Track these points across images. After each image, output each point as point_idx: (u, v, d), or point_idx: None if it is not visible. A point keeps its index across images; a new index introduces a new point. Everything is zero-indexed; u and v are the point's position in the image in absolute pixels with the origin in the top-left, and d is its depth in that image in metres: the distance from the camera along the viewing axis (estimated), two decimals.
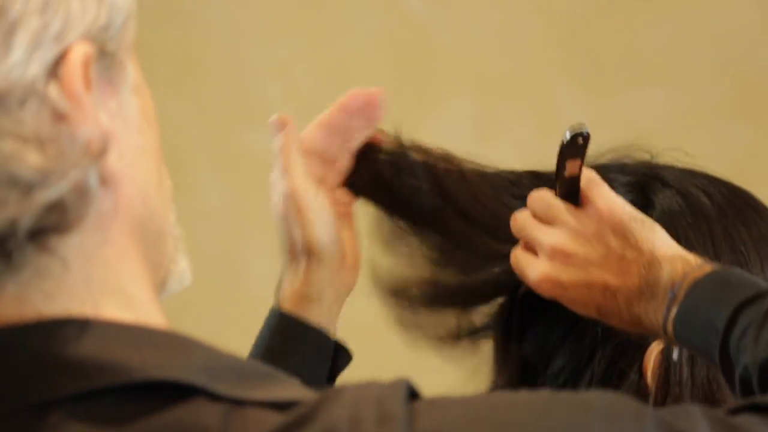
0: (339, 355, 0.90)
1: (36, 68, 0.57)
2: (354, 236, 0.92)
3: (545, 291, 0.83)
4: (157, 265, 0.63)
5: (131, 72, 0.61)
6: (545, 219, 0.85)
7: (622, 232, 0.82)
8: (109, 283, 0.60)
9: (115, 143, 0.59)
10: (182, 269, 0.65)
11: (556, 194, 0.85)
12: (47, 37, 0.58)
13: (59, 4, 0.58)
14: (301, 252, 0.89)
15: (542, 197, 0.86)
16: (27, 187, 0.56)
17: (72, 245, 0.58)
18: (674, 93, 1.80)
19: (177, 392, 0.57)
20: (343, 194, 0.91)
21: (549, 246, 0.83)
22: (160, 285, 0.64)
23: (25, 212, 0.56)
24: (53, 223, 0.57)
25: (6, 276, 0.57)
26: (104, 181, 0.58)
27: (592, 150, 0.86)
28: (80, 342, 0.57)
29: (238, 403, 0.57)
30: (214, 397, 0.57)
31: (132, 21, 0.61)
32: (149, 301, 0.61)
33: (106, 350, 0.57)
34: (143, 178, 0.61)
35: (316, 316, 0.90)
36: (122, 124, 0.60)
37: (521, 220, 0.86)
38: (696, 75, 1.83)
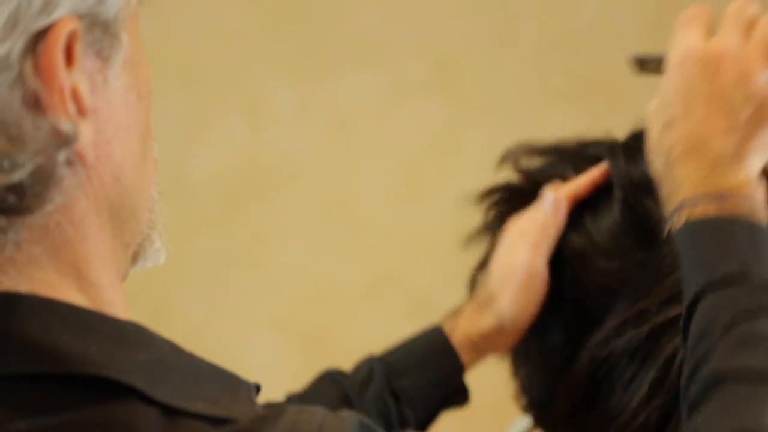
0: (459, 394, 0.97)
1: (11, 44, 0.57)
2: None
3: (670, 60, 0.80)
4: (127, 245, 0.63)
5: (125, 44, 0.62)
6: (754, 37, 0.79)
7: (761, 112, 0.76)
8: (68, 265, 0.60)
9: (93, 118, 0.59)
10: (156, 248, 0.66)
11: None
12: (29, 13, 0.57)
13: None
14: (495, 317, 0.94)
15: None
16: None
17: (29, 225, 0.58)
18: (376, 75, 1.84)
19: (112, 390, 0.57)
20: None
21: (720, 48, 0.78)
22: (129, 262, 0.65)
23: None
24: (9, 205, 0.57)
25: None
26: (72, 161, 0.59)
27: None
28: (25, 322, 0.57)
29: (173, 411, 0.57)
30: (149, 400, 0.57)
31: None
32: (109, 286, 0.61)
33: (50, 335, 0.57)
34: (121, 155, 0.61)
35: (468, 360, 0.96)
36: (106, 99, 0.60)
37: (742, 13, 0.80)
38: (395, 56, 1.84)
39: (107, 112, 0.59)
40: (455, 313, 0.99)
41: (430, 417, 0.97)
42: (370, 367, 0.98)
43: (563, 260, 0.95)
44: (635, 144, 0.92)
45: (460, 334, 0.97)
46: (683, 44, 0.80)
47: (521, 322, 0.94)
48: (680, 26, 0.81)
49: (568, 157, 0.97)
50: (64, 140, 0.57)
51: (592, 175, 0.94)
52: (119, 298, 0.61)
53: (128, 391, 0.57)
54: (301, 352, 1.84)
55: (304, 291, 1.84)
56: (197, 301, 1.83)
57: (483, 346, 0.97)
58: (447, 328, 0.98)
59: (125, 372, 0.57)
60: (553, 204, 0.94)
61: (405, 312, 1.84)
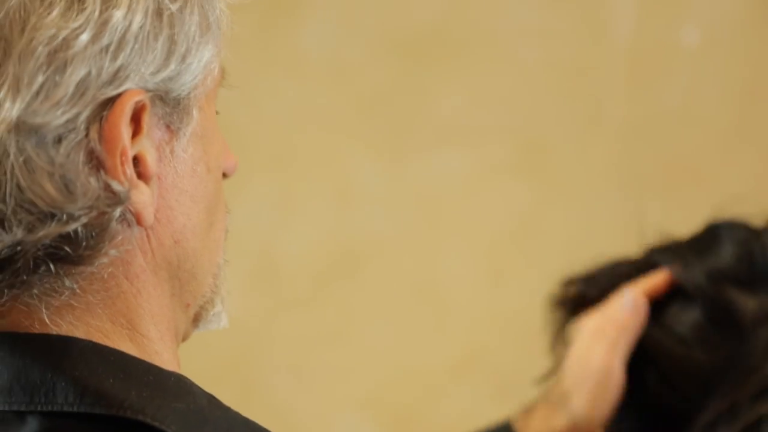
0: None
1: (80, 109, 0.62)
2: None
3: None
4: (187, 305, 0.67)
5: (196, 120, 0.66)
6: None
7: None
8: (121, 316, 0.64)
9: (157, 183, 0.64)
10: (217, 312, 0.70)
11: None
12: (98, 83, 0.62)
13: (118, 52, 0.62)
14: (570, 416, 0.97)
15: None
16: (40, 217, 0.61)
17: (85, 274, 0.63)
18: (464, 156, 1.86)
19: None
20: None
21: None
22: (190, 323, 0.69)
23: (32, 238, 0.61)
24: (64, 253, 0.62)
25: (18, 288, 0.63)
26: (128, 220, 0.63)
27: None
28: (75, 364, 0.62)
29: None
30: None
31: (213, 75, 0.68)
32: (159, 339, 0.66)
33: (96, 378, 0.62)
34: (183, 220, 0.65)
35: None
36: (172, 167, 0.65)
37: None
38: (483, 137, 1.86)
39: (172, 179, 0.65)
40: (528, 409, 0.99)
41: None
42: None
43: (646, 359, 0.95)
44: (704, 238, 0.93)
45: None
46: None
47: (595, 422, 0.95)
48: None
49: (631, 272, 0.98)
50: (118, 200, 0.62)
51: (665, 273, 0.97)
52: (167, 352, 0.66)
53: None
54: (387, 431, 1.85)
55: (390, 370, 1.86)
56: (285, 378, 1.86)
57: None
58: (518, 426, 0.98)
59: (160, 418, 0.61)
60: (633, 303, 0.95)
61: (491, 392, 1.84)
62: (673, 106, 1.90)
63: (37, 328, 0.63)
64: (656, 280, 0.96)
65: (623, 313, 0.96)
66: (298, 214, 1.85)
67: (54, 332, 0.63)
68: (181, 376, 0.66)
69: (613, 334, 0.95)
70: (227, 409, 0.65)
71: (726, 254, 0.92)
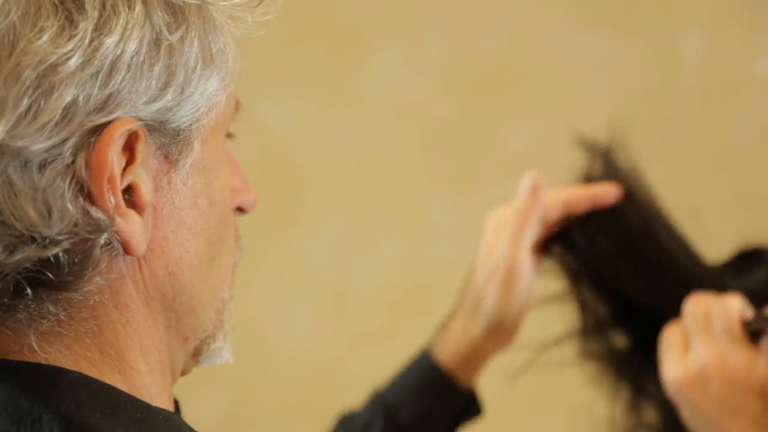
0: (471, 408, 1.00)
1: (66, 135, 0.61)
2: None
3: (668, 390, 0.88)
4: (185, 338, 0.67)
5: (198, 152, 0.65)
6: (719, 330, 0.88)
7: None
8: (109, 346, 0.64)
9: (152, 214, 0.64)
10: (218, 347, 0.69)
11: (745, 319, 0.88)
12: (86, 108, 0.61)
13: (108, 79, 0.61)
14: (485, 317, 0.97)
15: (732, 310, 0.88)
16: (21, 239, 0.61)
17: (72, 301, 0.63)
18: None
19: None
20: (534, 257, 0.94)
21: (702, 360, 0.86)
22: (189, 357, 0.68)
23: (11, 260, 0.61)
24: (46, 278, 0.61)
25: (3, 311, 0.63)
26: (115, 248, 0.63)
27: None
28: (63, 396, 0.62)
29: None
30: None
31: (219, 107, 0.66)
32: (148, 372, 0.65)
33: (83, 412, 0.61)
34: (179, 252, 0.65)
35: (468, 374, 0.99)
36: (169, 198, 0.64)
37: (700, 306, 0.88)
38: (552, 171, 1.87)
39: (169, 210, 0.64)
40: (445, 325, 0.95)
41: None
42: (371, 407, 0.96)
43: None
44: (736, 263, 0.93)
45: (451, 352, 0.97)
46: (669, 379, 0.88)
47: (510, 318, 0.93)
48: (663, 356, 0.89)
49: None
50: (99, 227, 0.61)
51: (594, 190, 0.93)
52: (156, 386, 0.65)
53: None
54: None
55: None
56: None
57: (476, 355, 0.96)
58: (437, 349, 0.96)
59: None
60: (530, 188, 0.92)
61: (566, 426, 1.84)
62: (744, 138, 1.89)
63: (27, 355, 0.63)
64: (578, 192, 0.93)
65: (522, 198, 0.93)
66: (368, 249, 1.87)
67: (43, 360, 0.63)
68: (170, 413, 0.65)
69: (514, 222, 0.93)
70: None
71: (757, 278, 0.92)
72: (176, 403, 0.71)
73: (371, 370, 1.90)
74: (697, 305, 0.89)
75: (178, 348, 0.67)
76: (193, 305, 0.66)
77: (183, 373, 0.69)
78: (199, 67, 0.64)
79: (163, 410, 0.65)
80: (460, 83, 1.86)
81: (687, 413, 0.87)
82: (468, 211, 1.89)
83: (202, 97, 0.64)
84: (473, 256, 1.88)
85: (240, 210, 0.72)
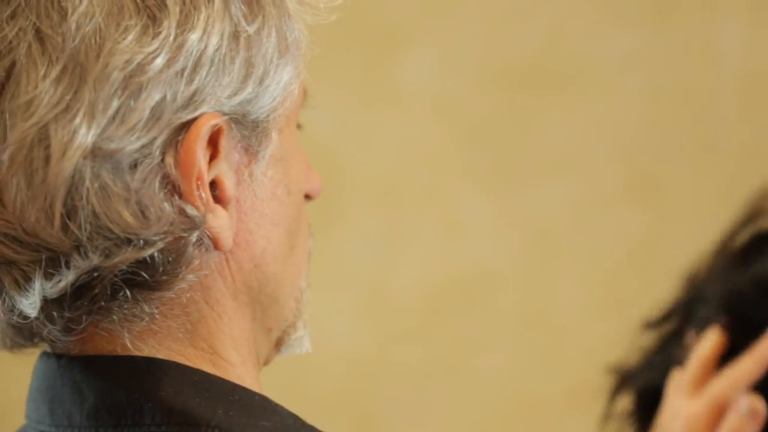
0: None
1: (155, 134, 0.61)
2: None
3: None
4: (269, 329, 0.67)
5: (276, 142, 0.65)
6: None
7: None
8: (202, 340, 0.64)
9: (236, 207, 0.64)
10: (299, 336, 0.70)
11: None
12: (173, 106, 0.61)
13: (194, 75, 0.61)
14: None
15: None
16: (116, 242, 0.61)
17: (164, 299, 0.63)
18: (573, 186, 1.87)
19: None
20: None
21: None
22: (272, 348, 0.69)
23: (108, 264, 0.61)
24: (142, 279, 0.62)
25: (97, 314, 0.63)
26: (206, 244, 0.63)
27: None
28: (161, 384, 0.62)
29: None
30: None
31: (293, 96, 0.66)
32: (240, 364, 0.66)
33: (182, 398, 0.62)
34: (263, 244, 0.65)
35: None
36: (251, 191, 0.65)
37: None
38: (592, 167, 1.87)
39: (251, 203, 0.64)
40: None
41: None
42: None
43: None
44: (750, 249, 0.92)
45: None
46: None
47: None
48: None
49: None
50: (193, 225, 0.62)
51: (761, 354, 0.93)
52: (249, 376, 0.66)
53: None
54: None
55: (505, 400, 1.86)
56: (401, 409, 1.87)
57: None
58: None
59: None
60: (751, 413, 0.92)
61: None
62: None
63: (120, 353, 0.63)
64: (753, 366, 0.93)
65: (741, 419, 0.92)
66: (407, 246, 1.88)
67: (135, 354, 0.63)
68: (265, 396, 0.65)
69: None
70: (312, 428, 0.65)
71: None
72: None
73: (410, 366, 1.91)
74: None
75: (263, 339, 0.67)
76: (276, 296, 0.67)
77: (266, 363, 0.70)
78: (275, 56, 0.64)
79: (261, 395, 0.65)
80: (497, 80, 1.86)
81: None
82: (506, 208, 1.89)
83: (278, 87, 0.64)
84: (510, 254, 1.89)
85: (308, 197, 0.72)
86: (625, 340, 1.83)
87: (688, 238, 1.85)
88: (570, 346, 1.88)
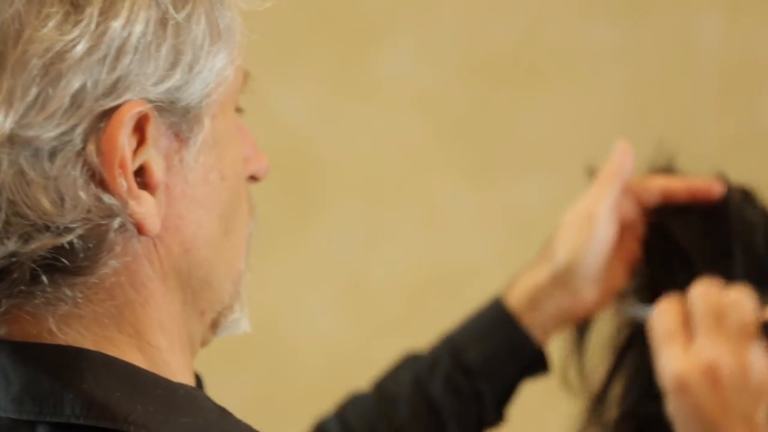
0: (538, 364, 0.98)
1: (75, 121, 0.61)
2: (615, 280, 0.96)
3: (667, 386, 0.85)
4: (201, 312, 0.68)
5: (208, 128, 0.65)
6: (734, 328, 0.84)
7: None
8: (129, 325, 0.65)
9: (166, 193, 0.64)
10: (236, 318, 0.70)
11: (762, 321, 0.84)
12: (95, 94, 0.61)
13: (116, 63, 0.61)
14: (553, 261, 0.97)
15: (748, 309, 0.85)
16: (34, 228, 0.61)
17: (88, 284, 0.63)
18: (553, 178, 1.87)
19: None
20: (633, 246, 0.95)
21: (708, 359, 0.83)
22: (207, 330, 0.69)
23: (26, 249, 0.61)
24: (62, 264, 0.62)
25: (18, 297, 0.63)
26: (128, 230, 0.63)
27: None
28: (83, 376, 0.63)
29: None
30: None
31: (228, 82, 0.66)
32: (168, 349, 0.66)
33: (104, 391, 0.63)
34: (193, 229, 0.66)
35: (535, 322, 0.97)
36: (182, 177, 0.65)
37: (711, 297, 0.85)
38: (572, 159, 1.87)
39: (182, 188, 0.65)
40: (519, 273, 0.97)
41: (509, 389, 0.96)
42: (438, 346, 0.96)
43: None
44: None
45: (517, 293, 0.96)
46: (672, 370, 0.84)
47: (575, 269, 0.92)
48: (660, 345, 0.85)
49: None
50: (111, 212, 0.62)
51: (695, 183, 0.93)
52: (176, 361, 0.66)
53: None
54: None
55: None
56: None
57: (541, 302, 0.94)
58: (507, 292, 0.97)
59: None
60: (621, 152, 0.94)
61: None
62: (765, 122, 1.88)
63: (47, 338, 0.64)
64: (679, 185, 0.92)
65: (611, 162, 0.94)
66: (388, 240, 1.88)
67: (63, 342, 0.64)
68: (192, 388, 0.66)
69: (600, 178, 0.95)
70: (238, 422, 0.65)
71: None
72: (198, 378, 0.72)
73: (391, 359, 1.91)
74: (708, 296, 0.86)
75: (195, 322, 0.68)
76: (209, 279, 0.67)
77: (202, 345, 0.70)
78: (206, 43, 0.64)
79: (185, 385, 0.66)
80: (476, 73, 1.86)
81: (681, 411, 0.83)
82: (486, 200, 1.89)
83: (210, 74, 0.65)
84: (490, 246, 1.89)
85: (253, 178, 0.72)
86: (601, 333, 1.84)
87: None
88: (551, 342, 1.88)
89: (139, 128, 0.63)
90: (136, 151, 0.63)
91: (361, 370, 1.93)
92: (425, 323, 1.89)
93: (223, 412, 0.66)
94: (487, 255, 1.89)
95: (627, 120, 1.88)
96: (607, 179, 0.96)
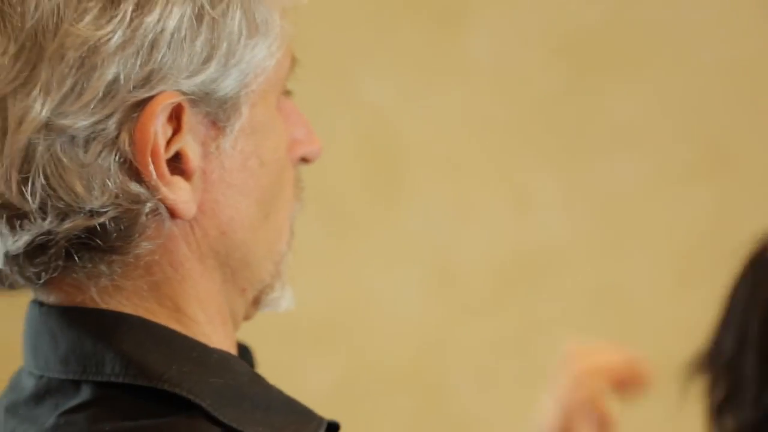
0: None
1: (109, 111, 0.65)
2: None
3: None
4: (243, 289, 0.71)
5: (246, 117, 0.68)
6: None
7: None
8: (167, 299, 0.68)
9: (202, 178, 0.67)
10: (276, 297, 0.73)
11: None
12: (128, 85, 0.64)
13: (149, 56, 0.65)
14: None
15: None
16: (67, 210, 0.65)
17: (123, 262, 0.67)
18: (641, 160, 1.85)
19: (183, 406, 0.66)
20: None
21: None
22: (249, 306, 0.73)
23: (60, 228, 0.65)
24: (95, 244, 0.66)
25: (57, 271, 0.67)
26: (161, 215, 0.67)
27: None
28: (123, 337, 0.67)
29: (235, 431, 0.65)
30: (214, 420, 0.66)
31: (268, 73, 0.68)
32: (207, 322, 0.69)
33: (141, 351, 0.67)
34: (230, 213, 0.69)
35: None
36: (219, 162, 0.68)
37: None
38: (661, 141, 1.84)
39: (219, 174, 0.68)
40: None
41: None
42: None
43: None
44: None
45: None
46: None
47: None
48: None
49: None
50: (140, 199, 0.65)
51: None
52: (217, 334, 0.70)
53: (197, 409, 0.65)
54: None
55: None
56: (466, 383, 1.87)
57: None
58: None
59: (195, 392, 0.66)
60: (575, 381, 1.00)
61: (676, 398, 1.82)
62: None
63: (89, 304, 0.68)
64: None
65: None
66: (474, 220, 1.87)
67: (105, 308, 0.67)
68: (227, 353, 0.69)
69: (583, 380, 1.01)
70: (269, 387, 0.68)
71: None
72: (246, 348, 0.76)
73: (478, 341, 1.90)
74: None
75: (236, 298, 0.71)
76: (247, 260, 0.70)
77: (246, 319, 0.73)
78: (243, 37, 0.67)
79: (219, 350, 0.69)
80: (563, 52, 1.84)
81: None
82: (572, 182, 1.87)
83: (249, 66, 0.67)
84: (576, 229, 1.87)
85: (304, 160, 0.74)
86: (695, 318, 1.82)
87: (759, 215, 1.83)
88: (641, 323, 1.86)
89: (176, 117, 0.66)
90: (171, 139, 0.66)
91: (448, 352, 1.93)
92: (511, 306, 1.89)
93: (255, 377, 0.68)
94: (573, 238, 1.88)
95: (717, 102, 1.85)
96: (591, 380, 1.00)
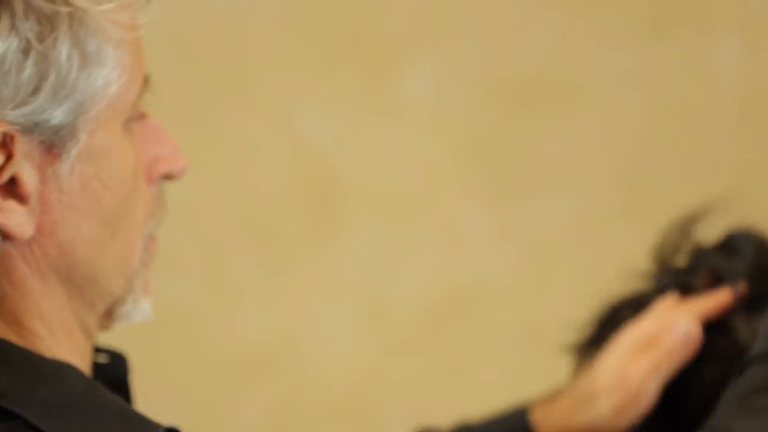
0: None
1: None
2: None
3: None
4: (91, 304, 0.74)
5: (84, 142, 0.71)
6: None
7: None
8: (8, 314, 0.72)
9: (40, 201, 0.71)
10: (127, 310, 0.76)
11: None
12: None
13: None
14: (592, 419, 1.00)
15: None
16: None
17: None
18: (572, 200, 1.88)
19: (9, 417, 0.68)
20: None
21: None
22: (102, 318, 0.76)
23: None
24: None
25: None
26: (0, 236, 0.70)
27: None
28: None
29: None
30: (37, 430, 0.68)
31: (106, 100, 0.71)
32: (50, 337, 0.72)
33: None
34: (71, 233, 0.71)
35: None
36: (57, 186, 0.71)
37: None
38: (591, 181, 1.88)
39: (56, 196, 0.71)
40: (550, 398, 0.99)
41: None
42: None
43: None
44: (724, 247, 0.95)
45: (549, 425, 1.00)
46: None
47: (618, 426, 0.97)
48: None
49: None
50: None
51: (722, 298, 0.98)
52: (62, 347, 0.72)
53: (19, 419, 0.67)
54: None
55: None
56: (399, 421, 1.89)
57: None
58: (536, 415, 1.01)
59: (21, 403, 0.68)
60: (687, 335, 0.97)
61: None
62: None
63: None
64: (710, 304, 0.97)
65: (675, 341, 0.97)
66: (406, 258, 1.89)
67: None
68: (65, 364, 0.71)
69: (658, 356, 0.97)
70: (104, 396, 0.70)
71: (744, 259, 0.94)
72: (119, 357, 0.78)
73: (409, 377, 1.92)
74: None
75: (85, 312, 0.74)
76: (93, 276, 0.73)
77: (102, 329, 0.76)
78: (75, 69, 0.69)
79: (57, 362, 0.71)
80: (496, 94, 1.88)
81: None
82: (504, 222, 1.90)
83: (84, 95, 0.69)
84: (509, 266, 1.90)
85: (168, 177, 0.77)
86: None
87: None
88: (568, 361, 1.89)
89: (6, 145, 0.69)
90: (4, 165, 0.69)
91: (379, 387, 1.94)
92: (442, 342, 1.91)
93: (94, 388, 0.71)
94: (505, 276, 1.91)
95: (645, 144, 1.89)
96: (669, 359, 0.99)
